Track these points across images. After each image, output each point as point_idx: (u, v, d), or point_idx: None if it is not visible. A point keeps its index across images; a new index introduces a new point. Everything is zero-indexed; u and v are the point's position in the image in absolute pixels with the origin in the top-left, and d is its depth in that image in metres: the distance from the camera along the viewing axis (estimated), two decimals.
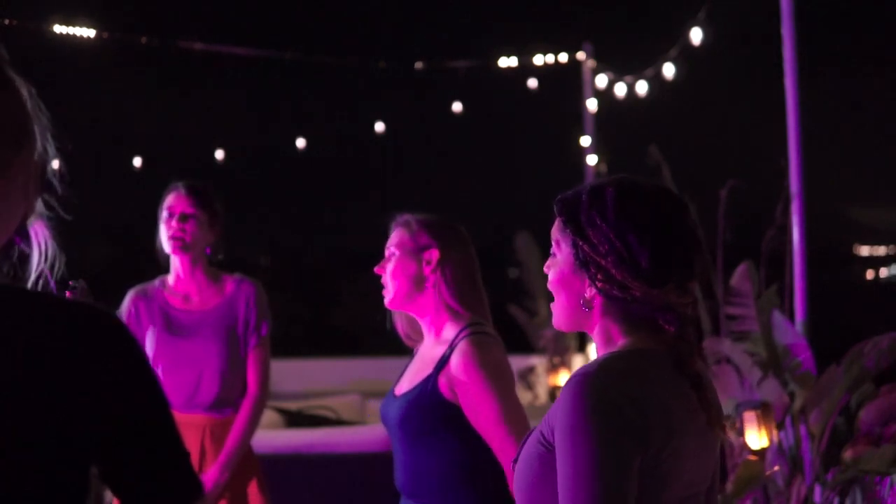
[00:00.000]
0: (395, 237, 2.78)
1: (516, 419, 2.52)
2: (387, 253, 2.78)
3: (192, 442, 3.67)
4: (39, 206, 1.38)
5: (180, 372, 3.70)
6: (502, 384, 2.55)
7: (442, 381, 2.58)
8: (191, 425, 3.68)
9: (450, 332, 2.67)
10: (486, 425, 2.53)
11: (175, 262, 3.79)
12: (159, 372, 3.70)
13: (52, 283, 1.38)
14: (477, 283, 2.77)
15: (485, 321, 2.69)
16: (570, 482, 1.61)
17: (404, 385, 2.72)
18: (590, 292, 1.77)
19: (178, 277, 3.79)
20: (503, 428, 2.50)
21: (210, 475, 3.65)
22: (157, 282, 3.83)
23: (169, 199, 3.75)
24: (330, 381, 8.50)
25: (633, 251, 1.73)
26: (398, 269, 2.73)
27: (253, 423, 3.75)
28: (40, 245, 1.38)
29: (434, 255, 2.71)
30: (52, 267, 1.38)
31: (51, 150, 1.38)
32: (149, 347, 3.72)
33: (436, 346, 2.69)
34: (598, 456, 1.60)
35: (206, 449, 3.70)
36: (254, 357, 3.77)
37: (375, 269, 2.78)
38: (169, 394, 3.66)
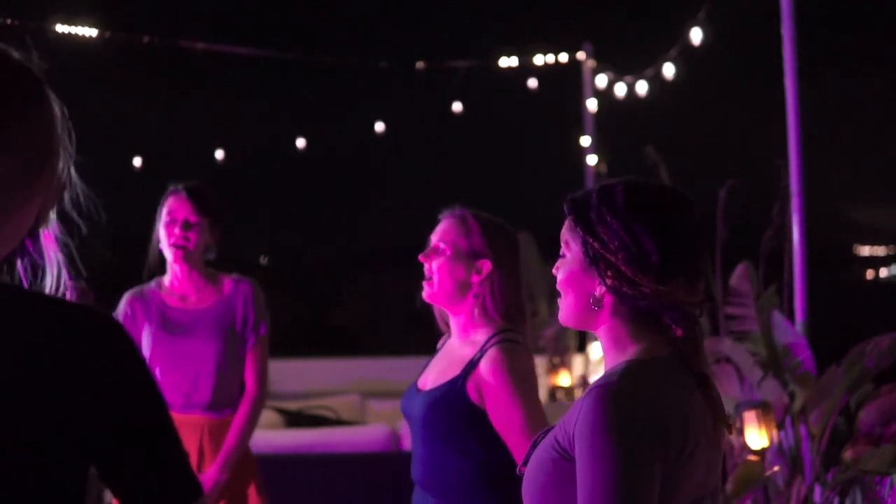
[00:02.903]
0: (449, 232, 2.72)
1: (540, 427, 2.53)
2: (434, 243, 2.73)
3: (190, 442, 3.65)
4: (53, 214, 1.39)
5: (177, 371, 3.67)
6: (529, 392, 2.55)
7: (470, 384, 2.58)
8: (189, 425, 3.66)
9: (480, 335, 2.66)
10: (510, 431, 2.54)
11: (173, 265, 3.77)
12: (156, 372, 3.68)
13: (49, 285, 1.38)
14: (520, 294, 2.73)
15: (516, 328, 2.67)
16: (592, 495, 1.60)
17: (429, 381, 2.71)
18: (599, 290, 1.77)
19: (175, 278, 3.77)
20: (527, 435, 2.51)
21: (209, 475, 3.64)
22: (153, 283, 3.81)
23: (170, 203, 3.72)
24: (330, 381, 8.50)
25: (642, 247, 1.73)
26: (446, 269, 2.69)
27: (251, 423, 3.73)
28: (48, 252, 1.38)
29: (486, 266, 2.68)
30: (58, 274, 1.39)
31: (72, 169, 1.38)
32: (146, 348, 3.70)
33: (464, 346, 2.69)
34: (620, 469, 1.60)
35: (204, 449, 3.69)
36: (252, 357, 3.76)
37: (420, 256, 2.73)
38: (166, 394, 3.66)
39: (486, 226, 2.72)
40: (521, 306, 2.73)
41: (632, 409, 1.64)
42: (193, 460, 3.64)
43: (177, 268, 3.75)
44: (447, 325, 2.82)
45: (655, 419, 1.65)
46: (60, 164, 1.35)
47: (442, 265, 2.70)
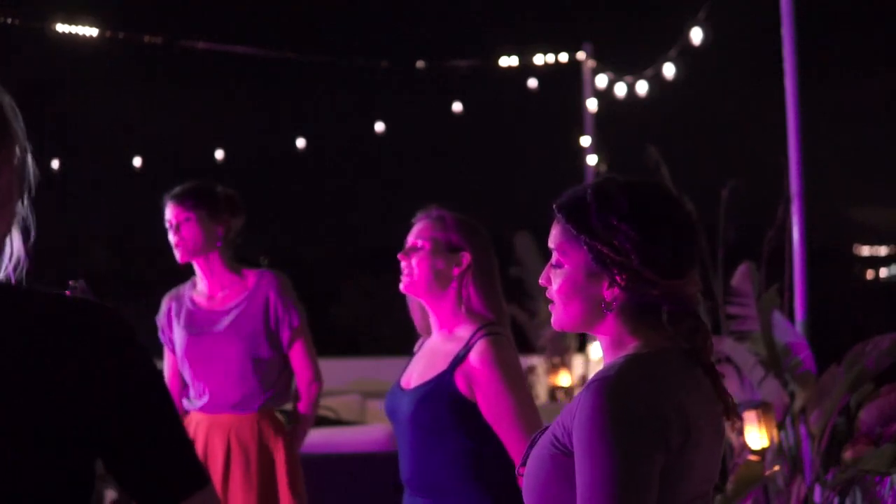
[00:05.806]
0: (426, 230, 2.76)
1: (532, 417, 2.59)
2: (412, 242, 2.76)
3: (218, 442, 3.66)
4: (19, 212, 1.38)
5: (204, 371, 3.70)
6: (519, 383, 2.62)
7: (458, 376, 2.61)
8: (217, 425, 3.67)
9: (464, 330, 2.69)
10: (502, 421, 2.59)
11: (193, 265, 3.80)
12: (186, 372, 3.71)
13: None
14: (497, 288, 2.78)
15: (498, 323, 2.71)
16: (592, 490, 1.60)
17: (414, 379, 2.73)
18: (610, 294, 1.76)
19: (199, 278, 3.81)
20: (520, 425, 2.57)
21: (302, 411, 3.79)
22: (189, 283, 3.86)
23: (166, 214, 3.76)
24: (330, 381, 8.48)
25: (655, 246, 1.74)
26: (425, 262, 2.72)
27: (314, 409, 3.85)
28: (10, 254, 1.37)
29: (466, 258, 2.72)
30: (16, 271, 1.38)
31: (30, 156, 1.38)
32: (178, 348, 3.75)
33: (447, 342, 2.71)
34: (619, 464, 1.60)
35: (231, 449, 3.68)
36: (294, 351, 3.76)
37: (399, 255, 2.76)
38: (194, 394, 3.70)
39: (462, 222, 2.77)
40: (499, 298, 2.77)
41: (630, 402, 1.64)
42: (221, 459, 3.64)
43: (194, 266, 3.78)
44: (424, 326, 2.85)
45: (654, 411, 1.64)
46: (18, 148, 1.35)
47: (421, 259, 2.73)
